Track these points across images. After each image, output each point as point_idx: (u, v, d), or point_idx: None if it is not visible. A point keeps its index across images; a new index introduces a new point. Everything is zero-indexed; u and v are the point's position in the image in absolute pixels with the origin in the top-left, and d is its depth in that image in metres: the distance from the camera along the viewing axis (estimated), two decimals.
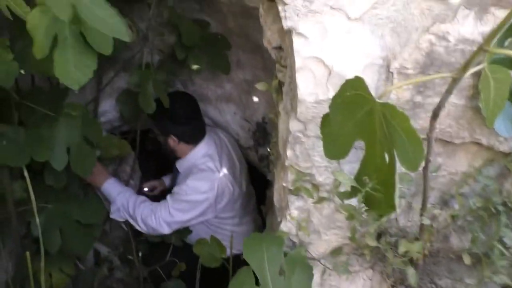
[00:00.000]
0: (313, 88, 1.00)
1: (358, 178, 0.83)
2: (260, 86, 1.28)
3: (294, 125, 1.07)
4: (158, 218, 2.09)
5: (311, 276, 1.14)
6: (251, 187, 2.54)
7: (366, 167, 0.81)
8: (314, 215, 1.18)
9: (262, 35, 1.42)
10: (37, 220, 1.68)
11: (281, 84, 1.27)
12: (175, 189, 2.16)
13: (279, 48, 1.31)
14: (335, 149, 0.83)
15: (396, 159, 0.74)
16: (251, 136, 2.64)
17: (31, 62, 1.35)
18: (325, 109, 1.04)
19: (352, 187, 0.85)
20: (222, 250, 1.95)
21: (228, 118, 2.66)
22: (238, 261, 1.90)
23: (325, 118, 0.83)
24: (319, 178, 1.12)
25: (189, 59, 2.21)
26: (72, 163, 1.63)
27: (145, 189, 2.58)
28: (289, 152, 1.10)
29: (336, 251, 1.23)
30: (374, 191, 0.82)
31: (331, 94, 0.99)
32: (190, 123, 2.21)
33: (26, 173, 1.55)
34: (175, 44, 2.22)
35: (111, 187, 2.13)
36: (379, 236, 1.18)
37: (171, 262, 2.31)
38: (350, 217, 1.00)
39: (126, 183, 2.60)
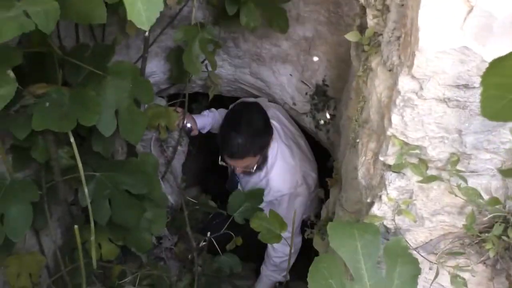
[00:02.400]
0: (441, 33, 0.74)
1: None
2: (350, 36, 1.03)
3: (405, 84, 0.82)
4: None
5: (417, 271, 0.92)
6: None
7: None
8: (418, 198, 0.95)
9: None
10: (86, 189, 1.54)
11: (375, 33, 1.02)
12: None
13: None
14: (505, 106, 0.59)
15: None
16: (308, 100, 2.40)
17: (72, 9, 1.16)
18: (452, 63, 0.79)
19: None
20: (283, 226, 1.77)
21: (283, 80, 2.42)
22: None
23: (496, 63, 0.58)
24: (432, 152, 0.88)
25: (241, 14, 1.96)
26: (121, 128, 1.46)
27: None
28: (395, 118, 0.86)
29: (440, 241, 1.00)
30: None
31: (468, 40, 0.73)
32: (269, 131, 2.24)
33: (72, 139, 1.39)
34: None
35: None
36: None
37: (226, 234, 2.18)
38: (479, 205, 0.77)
39: (175, 149, 2.46)
